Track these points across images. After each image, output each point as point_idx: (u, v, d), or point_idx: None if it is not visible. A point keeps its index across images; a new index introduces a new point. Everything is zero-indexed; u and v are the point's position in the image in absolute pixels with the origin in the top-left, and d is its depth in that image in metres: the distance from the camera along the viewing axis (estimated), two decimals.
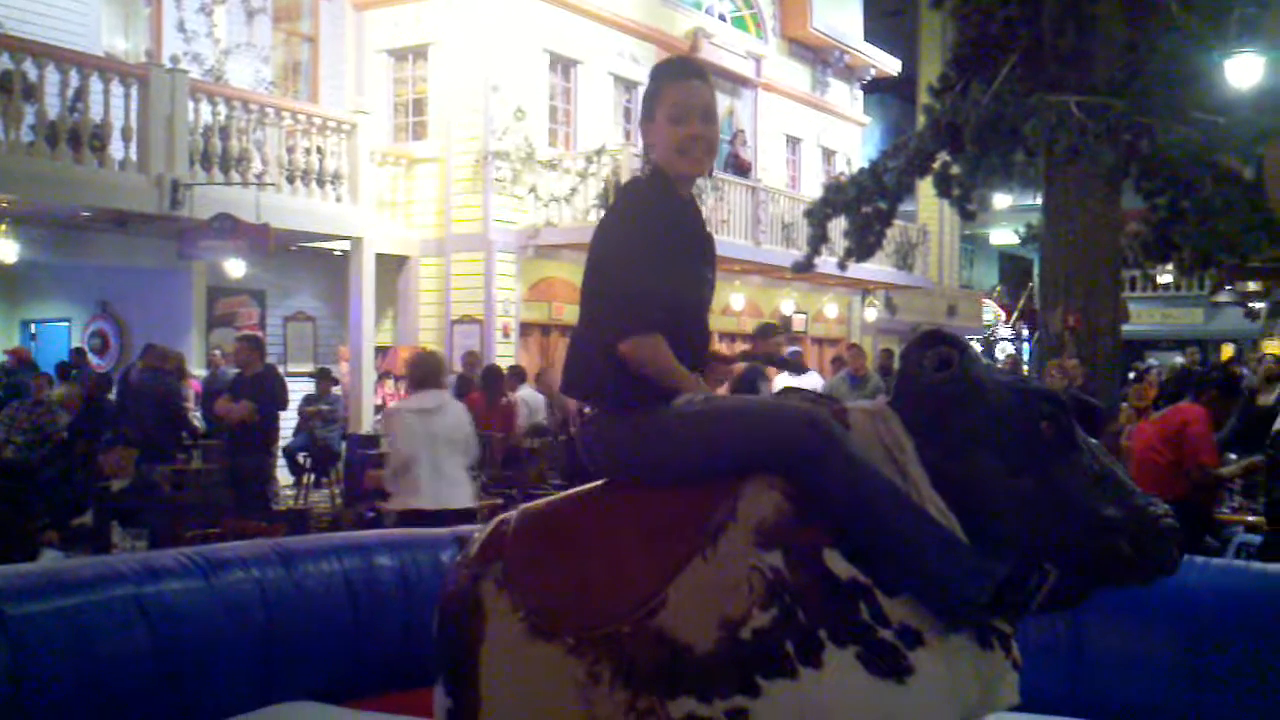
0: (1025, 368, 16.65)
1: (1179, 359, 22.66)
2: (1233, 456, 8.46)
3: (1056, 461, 2.51)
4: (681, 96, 2.77)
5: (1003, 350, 25.98)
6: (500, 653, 2.58)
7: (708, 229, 2.93)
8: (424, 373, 7.00)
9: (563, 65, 16.59)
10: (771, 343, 7.07)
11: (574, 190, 15.25)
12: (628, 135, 17.38)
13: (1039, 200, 13.91)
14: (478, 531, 2.86)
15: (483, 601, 2.63)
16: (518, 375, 13.04)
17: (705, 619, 2.42)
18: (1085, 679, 4.09)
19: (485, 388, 12.33)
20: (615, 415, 2.69)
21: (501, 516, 2.85)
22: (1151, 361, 22.97)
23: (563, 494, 2.90)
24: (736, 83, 19.99)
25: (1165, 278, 25.88)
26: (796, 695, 2.35)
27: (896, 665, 2.37)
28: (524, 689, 2.54)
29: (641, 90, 12.90)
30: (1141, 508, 2.47)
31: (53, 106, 11.20)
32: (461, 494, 6.87)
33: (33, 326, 15.61)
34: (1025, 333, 26.89)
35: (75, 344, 14.08)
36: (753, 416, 2.60)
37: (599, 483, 2.79)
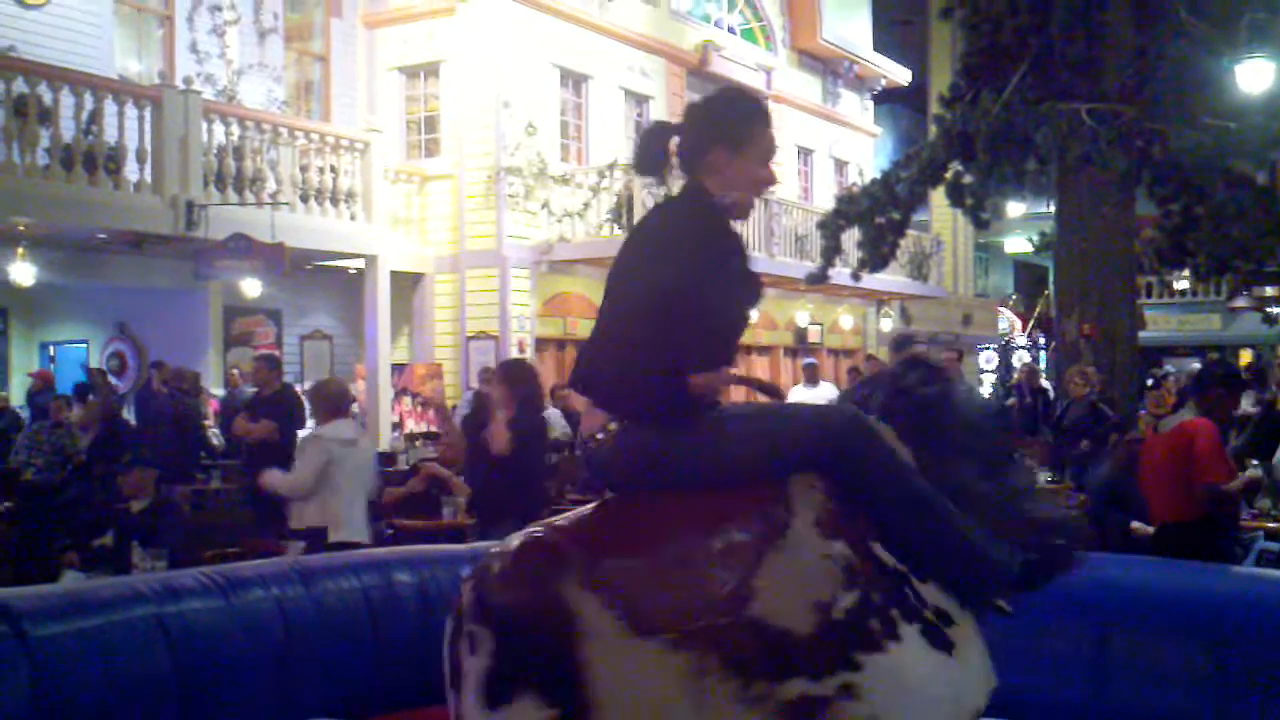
0: (1043, 375, 16.59)
1: (1197, 365, 22.56)
2: (1254, 463, 8.44)
3: (1008, 470, 2.84)
4: (771, 143, 2.84)
5: (1019, 359, 25.88)
6: (604, 652, 2.54)
7: (662, 227, 2.95)
8: (335, 401, 6.91)
9: (573, 80, 16.64)
10: (913, 352, 6.98)
11: (587, 205, 15.28)
12: None
13: (1052, 208, 13.91)
14: (502, 546, 2.81)
15: (570, 605, 2.56)
16: None
17: (798, 605, 2.54)
18: (1108, 688, 4.08)
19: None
20: (667, 428, 2.70)
21: (531, 531, 2.80)
22: (1169, 368, 22.88)
23: (589, 507, 2.88)
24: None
25: (1181, 284, 25.81)
26: (889, 666, 2.54)
27: (944, 640, 2.61)
28: (632, 686, 2.53)
29: (652, 104, 12.86)
30: (1052, 515, 2.85)
31: (68, 129, 11.27)
32: (364, 530, 6.91)
33: (51, 348, 15.68)
34: (1041, 340, 26.80)
35: (94, 365, 14.13)
36: (805, 418, 2.74)
37: (623, 495, 2.81)
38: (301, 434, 6.57)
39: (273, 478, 6.63)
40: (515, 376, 6.97)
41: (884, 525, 2.64)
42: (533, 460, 6.93)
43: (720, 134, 2.77)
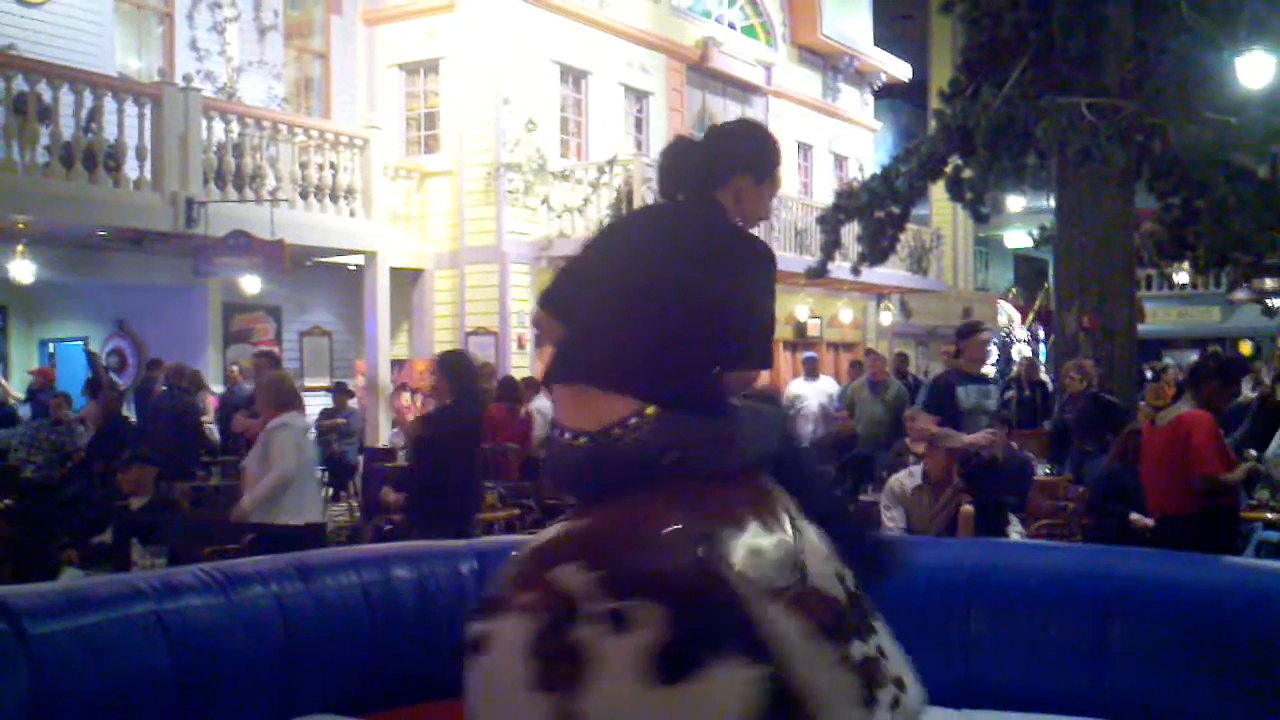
0: (1042, 369, 16.58)
1: (1196, 357, 22.55)
2: (1252, 453, 8.45)
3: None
4: (779, 182, 3.10)
5: (1019, 352, 25.86)
6: (762, 611, 2.58)
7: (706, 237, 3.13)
8: (287, 396, 6.96)
9: (573, 76, 16.63)
10: (976, 340, 6.96)
11: (586, 201, 15.28)
12: (639, 145, 17.41)
13: (1053, 202, 13.91)
14: (558, 529, 2.74)
15: (721, 570, 2.55)
16: (533, 386, 13.04)
17: (830, 575, 2.71)
18: (1108, 678, 4.08)
19: (502, 399, 12.34)
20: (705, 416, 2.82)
21: (609, 512, 2.72)
22: (1168, 361, 22.87)
23: (636, 496, 2.79)
24: (747, 91, 20.02)
25: (1181, 276, 25.80)
26: (885, 632, 2.75)
27: None
28: (785, 645, 2.57)
29: (653, 100, 12.85)
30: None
31: (67, 127, 11.26)
32: (321, 512, 7.22)
33: (51, 346, 15.69)
34: (1041, 334, 26.80)
35: (95, 353, 14.12)
36: (772, 418, 3.09)
37: (663, 481, 2.75)
38: (272, 424, 6.58)
39: (257, 492, 6.58)
40: (453, 367, 7.00)
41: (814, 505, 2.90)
42: (457, 455, 6.90)
43: (749, 164, 2.98)
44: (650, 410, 2.69)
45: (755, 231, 3.06)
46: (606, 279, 2.90)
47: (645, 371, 2.73)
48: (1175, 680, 3.99)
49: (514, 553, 2.79)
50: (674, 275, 2.79)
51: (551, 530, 2.82)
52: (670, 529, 2.59)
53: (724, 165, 2.95)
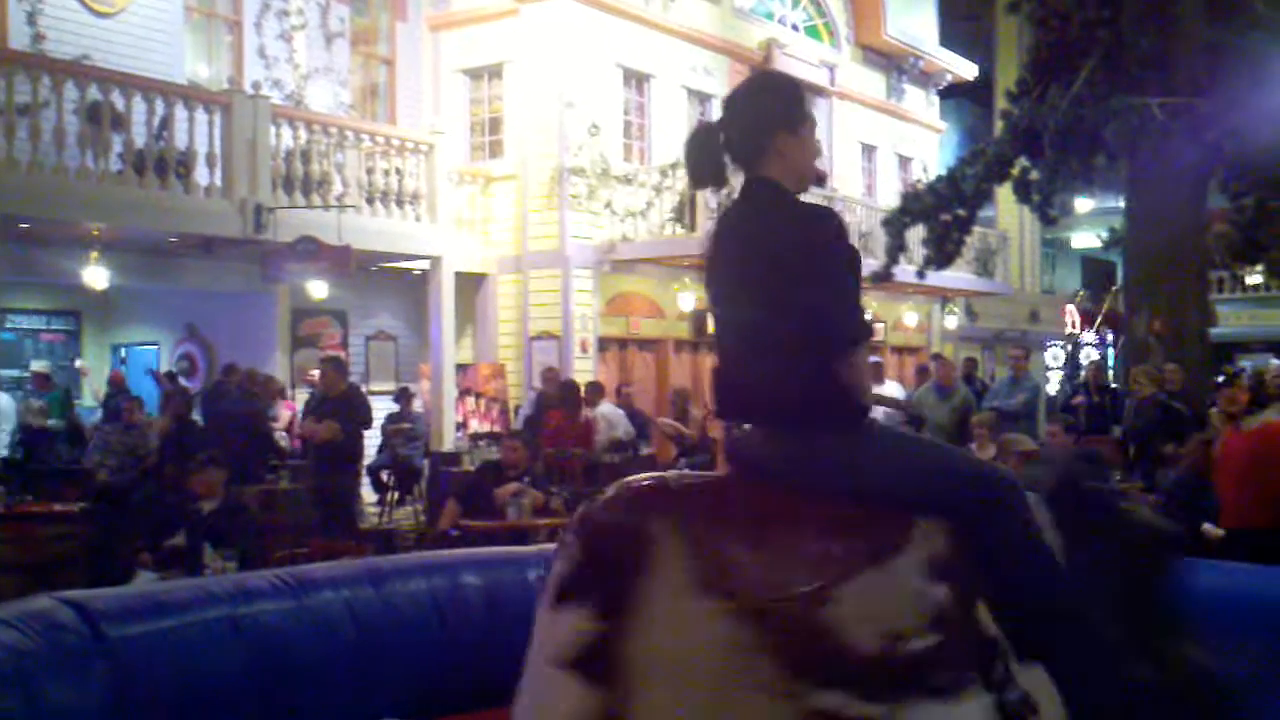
0: (1110, 373, 16.37)
1: (1275, 361, 22.14)
2: None
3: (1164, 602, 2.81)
4: (814, 116, 2.91)
5: (1086, 356, 25.56)
6: (665, 591, 2.57)
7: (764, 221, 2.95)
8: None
9: (636, 80, 16.65)
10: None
11: (649, 204, 15.29)
12: None
13: (1122, 203, 13.72)
14: (611, 489, 2.85)
15: (653, 537, 2.60)
16: (597, 391, 13.08)
17: (871, 626, 2.51)
18: None
19: (563, 404, 12.38)
20: (826, 433, 2.72)
21: (631, 479, 2.88)
22: (1244, 364, 22.46)
23: (708, 475, 2.96)
24: (811, 92, 19.89)
25: (1254, 278, 25.35)
26: (939, 717, 2.50)
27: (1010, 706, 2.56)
28: (680, 632, 2.55)
29: (715, 102, 12.88)
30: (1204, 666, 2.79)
31: (139, 135, 11.46)
32: None
33: (122, 350, 15.95)
34: (1110, 337, 26.45)
35: (165, 367, 14.35)
36: (964, 465, 2.77)
37: (749, 479, 2.80)
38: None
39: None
40: None
41: (1003, 597, 2.61)
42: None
43: (779, 119, 2.81)
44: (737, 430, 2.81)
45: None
46: (722, 312, 2.90)
47: (771, 403, 2.74)
48: (1250, 699, 3.91)
49: None
50: (772, 300, 2.70)
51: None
52: (643, 490, 2.79)
53: (757, 135, 2.79)
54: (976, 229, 17.18)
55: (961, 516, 2.62)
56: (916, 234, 14.78)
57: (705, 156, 2.84)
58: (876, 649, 2.49)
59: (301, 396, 13.62)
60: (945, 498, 2.64)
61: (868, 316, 2.79)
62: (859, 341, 2.70)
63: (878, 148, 21.88)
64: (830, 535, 2.61)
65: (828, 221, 2.73)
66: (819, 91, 20.01)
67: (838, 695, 2.46)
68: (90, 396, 14.06)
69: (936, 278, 16.21)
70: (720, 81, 17.88)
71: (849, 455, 2.68)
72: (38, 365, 13.34)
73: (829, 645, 2.49)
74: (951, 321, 23.15)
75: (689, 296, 15.86)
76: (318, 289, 13.07)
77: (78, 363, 14.45)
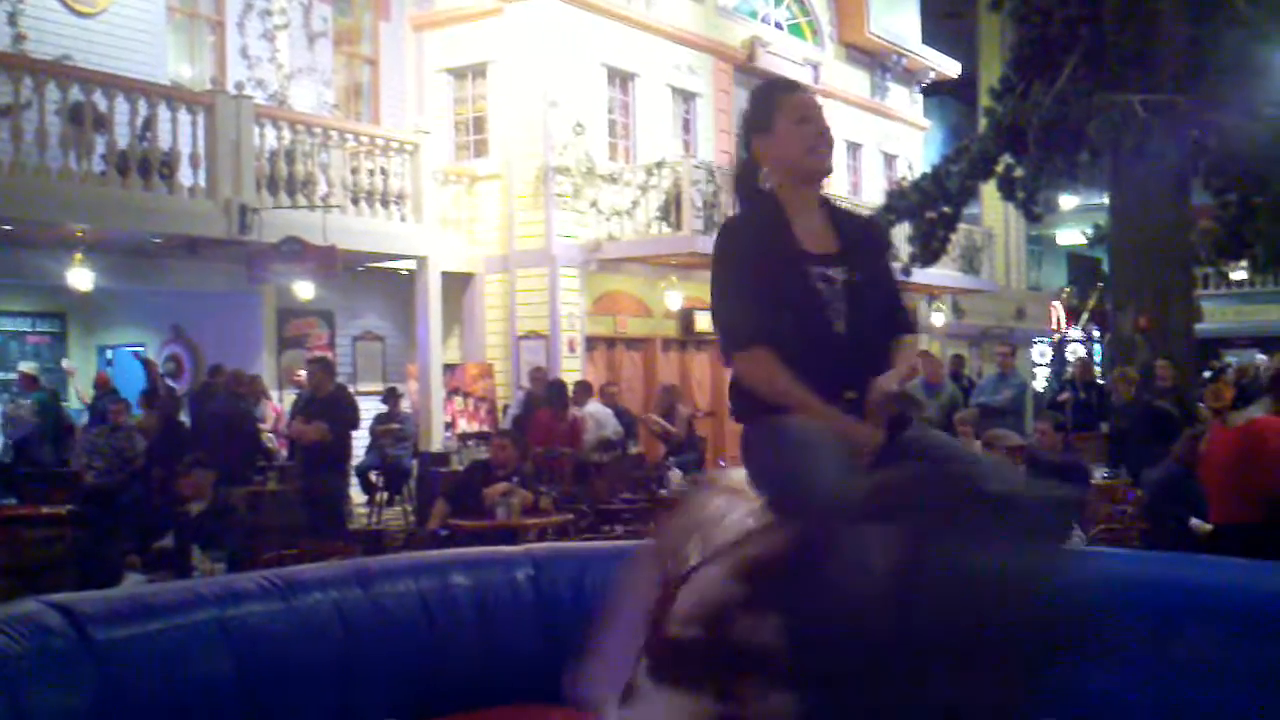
0: (1097, 369, 16.39)
1: (1260, 356, 22.23)
2: None
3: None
4: (802, 101, 2.99)
5: (1073, 352, 25.62)
6: None
7: (844, 223, 3.03)
8: None
9: (620, 79, 16.64)
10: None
11: (635, 203, 15.29)
12: (686, 147, 17.39)
13: (1106, 199, 13.77)
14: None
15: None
16: (585, 390, 13.08)
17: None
18: (1169, 689, 4.02)
19: (551, 403, 12.38)
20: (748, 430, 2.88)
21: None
22: (1230, 359, 22.55)
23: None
24: (786, 83, 19.90)
25: (1239, 274, 25.47)
26: None
27: None
28: None
29: (700, 101, 12.87)
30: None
31: (123, 136, 11.41)
32: None
33: (109, 352, 15.90)
34: (1095, 334, 26.53)
35: (152, 359, 14.29)
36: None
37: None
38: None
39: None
40: None
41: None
42: None
43: (751, 126, 2.98)
44: None
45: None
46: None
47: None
48: (1238, 693, 3.93)
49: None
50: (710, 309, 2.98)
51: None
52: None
53: (745, 146, 3.01)
54: (962, 226, 17.22)
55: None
56: (902, 232, 14.81)
57: (740, 183, 3.04)
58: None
59: (289, 397, 13.60)
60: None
61: (771, 317, 2.78)
62: (751, 343, 2.77)
63: (862, 146, 21.91)
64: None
65: (725, 225, 2.95)
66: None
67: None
68: (75, 398, 14.01)
69: (923, 275, 16.24)
70: (704, 80, 17.89)
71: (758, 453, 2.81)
72: (25, 366, 13.27)
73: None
74: (938, 319, 23.20)
75: (676, 295, 15.87)
76: (304, 289, 13.04)
77: (64, 363, 14.39)
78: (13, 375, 13.78)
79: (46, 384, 13.33)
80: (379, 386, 14.97)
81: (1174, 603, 4.14)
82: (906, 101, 23.47)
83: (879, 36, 21.40)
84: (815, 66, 20.03)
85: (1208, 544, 6.73)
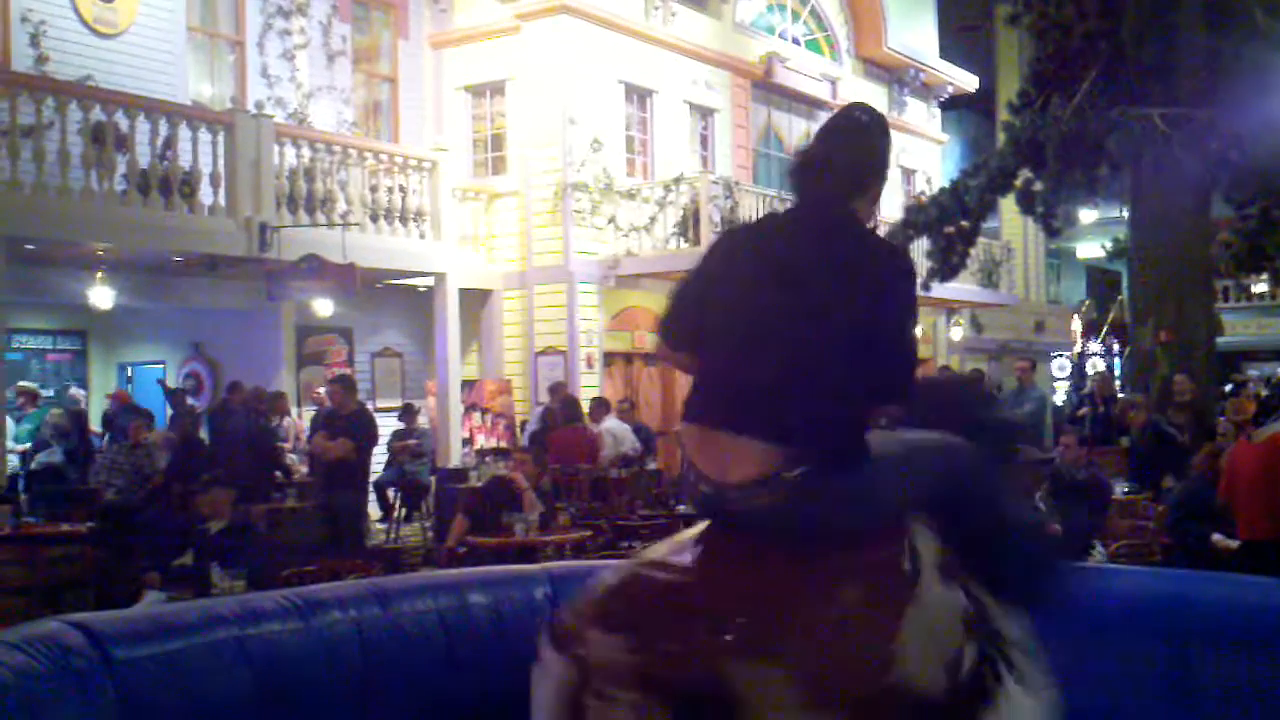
0: (1117, 383, 16.32)
1: None
2: None
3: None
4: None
5: (1092, 366, 25.50)
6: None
7: (856, 254, 2.60)
8: None
9: (638, 95, 16.68)
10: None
11: (653, 219, 15.31)
12: (704, 163, 17.41)
13: (1126, 213, 13.72)
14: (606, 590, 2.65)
15: (740, 686, 2.33)
16: (603, 406, 13.07)
17: (932, 666, 2.39)
18: (1191, 708, 3.99)
19: (568, 419, 12.38)
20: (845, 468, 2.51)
21: (660, 575, 2.59)
22: (1251, 372, 22.41)
23: (702, 542, 2.63)
24: (812, 106, 19.95)
25: (1260, 286, 25.33)
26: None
27: (1022, 674, 2.54)
28: None
29: (718, 117, 12.90)
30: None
31: (144, 155, 11.48)
32: None
33: (129, 369, 15.97)
34: (1115, 348, 26.40)
35: (173, 385, 14.35)
36: (932, 455, 2.68)
37: (741, 532, 2.55)
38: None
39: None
40: None
41: (969, 551, 2.58)
42: None
43: (880, 168, 2.75)
44: (789, 474, 2.42)
45: None
46: (739, 303, 2.57)
47: (784, 417, 2.44)
48: (1261, 709, 3.89)
49: (590, 582, 2.81)
50: (824, 295, 2.47)
51: (625, 568, 2.78)
52: (685, 618, 2.45)
53: (870, 171, 2.70)
54: (981, 240, 17.15)
55: (939, 504, 2.57)
56: (921, 246, 14.78)
57: (815, 178, 2.70)
58: (944, 687, 2.37)
59: (307, 414, 13.63)
60: (930, 493, 2.57)
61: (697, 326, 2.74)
62: (667, 344, 2.79)
63: None
64: (868, 583, 2.44)
65: (907, 261, 2.70)
66: (820, 105, 20.04)
67: None
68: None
69: (942, 290, 16.19)
70: (722, 96, 17.91)
71: (859, 488, 2.50)
72: (24, 384, 13.24)
73: (908, 705, 2.33)
74: (957, 333, 23.13)
75: None
76: (323, 306, 13.09)
77: (72, 390, 14.39)
78: (50, 392, 13.83)
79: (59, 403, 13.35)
80: (397, 403, 15.00)
81: (1194, 622, 4.10)
82: (924, 116, 23.45)
83: (896, 51, 21.39)
84: (833, 82, 20.05)
85: (1234, 561, 6.67)
